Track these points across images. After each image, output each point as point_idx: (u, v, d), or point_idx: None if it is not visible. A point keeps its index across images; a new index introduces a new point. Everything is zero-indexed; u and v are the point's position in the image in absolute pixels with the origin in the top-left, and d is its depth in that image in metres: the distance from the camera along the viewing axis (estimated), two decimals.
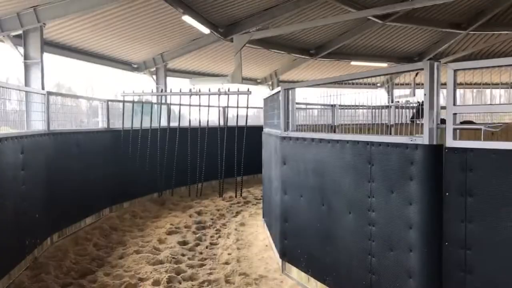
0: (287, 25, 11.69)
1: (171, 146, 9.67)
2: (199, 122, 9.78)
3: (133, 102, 9.64)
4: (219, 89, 10.00)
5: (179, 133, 9.73)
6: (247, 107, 9.92)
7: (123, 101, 9.40)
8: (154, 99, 11.07)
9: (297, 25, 11.72)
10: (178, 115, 10.18)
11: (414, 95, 10.43)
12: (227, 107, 10.97)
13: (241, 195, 10.18)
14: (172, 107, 11.28)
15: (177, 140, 9.75)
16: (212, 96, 9.96)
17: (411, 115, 8.65)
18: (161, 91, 13.16)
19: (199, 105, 9.80)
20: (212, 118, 10.11)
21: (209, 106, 9.95)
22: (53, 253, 5.92)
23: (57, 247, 6.16)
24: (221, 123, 10.58)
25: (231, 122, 10.98)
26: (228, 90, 9.88)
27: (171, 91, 10.01)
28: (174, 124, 10.69)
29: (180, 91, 9.82)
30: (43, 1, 7.47)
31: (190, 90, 10.91)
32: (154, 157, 9.50)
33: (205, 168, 10.02)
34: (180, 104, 10.13)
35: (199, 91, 9.93)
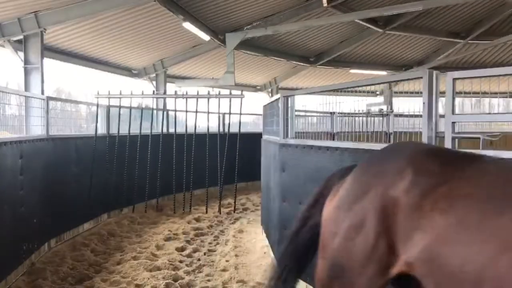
0: (283, 25, 11.34)
1: (169, 152, 9.60)
2: (195, 128, 9.65)
3: (131, 107, 9.66)
4: (208, 92, 9.81)
5: (176, 139, 9.56)
6: (240, 114, 9.79)
7: (126, 107, 9.41)
8: (150, 105, 11.03)
9: (291, 24, 11.39)
10: (174, 120, 10.17)
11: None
12: (221, 113, 10.74)
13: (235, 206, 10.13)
14: (169, 112, 11.24)
15: (175, 146, 9.55)
16: (203, 101, 9.44)
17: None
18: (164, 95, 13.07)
19: (196, 111, 9.72)
20: (209, 124, 9.97)
21: (207, 111, 9.87)
22: (51, 258, 5.89)
23: (55, 253, 6.14)
24: (219, 129, 10.41)
25: (231, 128, 10.79)
26: (219, 93, 9.50)
27: (153, 93, 10.01)
28: (171, 130, 10.68)
29: (165, 92, 9.83)
30: (44, 6, 7.50)
31: (176, 92, 10.83)
32: (153, 163, 9.45)
33: (203, 175, 9.86)
34: (173, 110, 10.11)
35: (186, 93, 9.61)
